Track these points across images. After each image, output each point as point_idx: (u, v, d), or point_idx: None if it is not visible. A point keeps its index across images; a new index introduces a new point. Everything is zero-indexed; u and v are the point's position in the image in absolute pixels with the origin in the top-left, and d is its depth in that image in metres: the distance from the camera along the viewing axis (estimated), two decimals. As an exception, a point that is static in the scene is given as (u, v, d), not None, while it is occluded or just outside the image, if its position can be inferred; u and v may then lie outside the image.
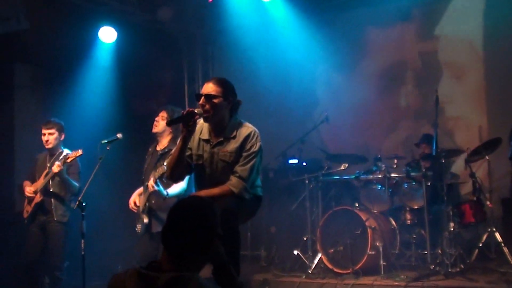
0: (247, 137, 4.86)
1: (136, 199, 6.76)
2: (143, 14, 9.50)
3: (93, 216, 6.81)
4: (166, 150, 6.67)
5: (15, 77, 9.17)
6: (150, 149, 6.85)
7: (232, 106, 4.90)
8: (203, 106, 4.75)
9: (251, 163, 4.83)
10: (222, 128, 4.89)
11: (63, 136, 7.30)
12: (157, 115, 6.82)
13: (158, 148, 6.81)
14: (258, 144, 4.88)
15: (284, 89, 10.01)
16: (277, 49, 9.82)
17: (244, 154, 4.83)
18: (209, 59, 10.55)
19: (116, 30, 9.11)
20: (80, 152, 6.81)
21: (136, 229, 6.64)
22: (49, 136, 7.20)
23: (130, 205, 6.67)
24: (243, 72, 9.80)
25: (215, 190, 4.79)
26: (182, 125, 4.70)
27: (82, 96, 9.02)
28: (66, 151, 7.22)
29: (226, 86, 4.84)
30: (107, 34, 9.11)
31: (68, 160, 6.84)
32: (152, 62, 9.57)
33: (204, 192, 4.81)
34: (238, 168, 4.81)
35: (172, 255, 2.93)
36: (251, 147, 4.84)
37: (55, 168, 6.82)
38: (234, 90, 4.91)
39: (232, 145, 4.86)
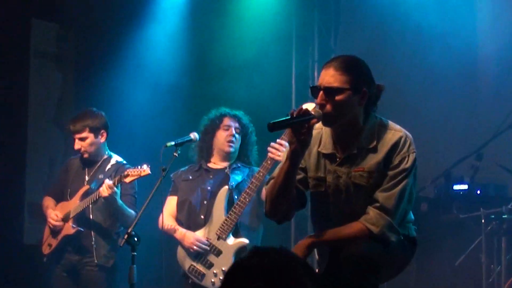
0: (395, 146, 4.83)
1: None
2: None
3: (145, 250, 7.03)
4: (235, 166, 7.36)
5: (32, 39, 9.50)
6: (201, 165, 7.43)
7: (368, 100, 4.87)
8: (322, 105, 4.76)
9: (400, 186, 4.81)
10: (354, 134, 4.90)
11: (104, 137, 7.61)
12: (219, 127, 7.31)
13: (217, 166, 7.37)
14: (412, 157, 4.85)
15: (447, 74, 9.98)
16: (441, 12, 9.82)
17: (390, 173, 4.82)
18: (330, 22, 10.66)
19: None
20: (146, 170, 7.05)
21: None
22: (81, 143, 7.50)
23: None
24: (382, 44, 9.95)
25: (344, 231, 4.87)
26: (291, 133, 4.69)
27: (133, 76, 9.55)
28: (116, 158, 7.60)
29: (356, 70, 4.83)
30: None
31: (127, 180, 7.09)
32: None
33: (328, 235, 4.91)
34: (379, 195, 4.82)
35: None
36: (400, 162, 4.81)
37: (104, 191, 7.07)
38: (370, 74, 4.88)
39: (372, 160, 4.86)
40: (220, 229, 6.93)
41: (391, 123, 4.94)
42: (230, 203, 7.11)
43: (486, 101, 9.89)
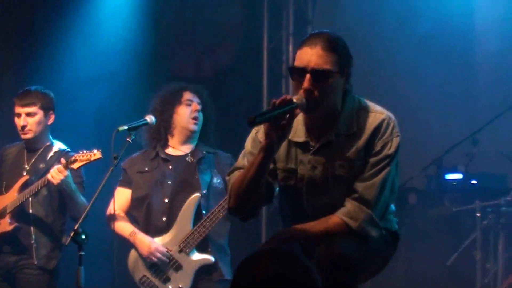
0: (377, 130, 4.87)
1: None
2: None
3: (97, 253, 7.04)
4: (201, 155, 7.38)
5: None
6: (157, 153, 7.41)
7: (346, 79, 4.94)
8: (309, 92, 4.74)
9: (382, 174, 4.87)
10: (331, 120, 4.94)
11: (52, 119, 7.67)
12: (180, 102, 7.32)
13: (176, 152, 7.39)
14: (396, 141, 4.89)
15: (440, 50, 10.11)
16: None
17: (372, 160, 4.86)
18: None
19: None
20: (96, 154, 7.03)
21: None
22: (28, 119, 7.52)
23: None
24: (364, 15, 10.07)
25: (318, 226, 4.88)
26: (269, 126, 4.66)
27: (79, 47, 9.66)
28: (58, 145, 7.59)
29: (342, 50, 4.87)
30: None
31: (75, 166, 7.08)
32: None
33: (300, 230, 4.93)
34: (358, 185, 4.87)
35: None
36: (383, 148, 4.86)
37: (55, 176, 7.06)
38: (349, 52, 4.94)
39: (352, 148, 4.90)
40: (185, 242, 6.98)
41: (371, 104, 5.00)
42: (197, 210, 7.15)
43: (484, 79, 10.06)
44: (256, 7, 10.33)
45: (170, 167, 7.18)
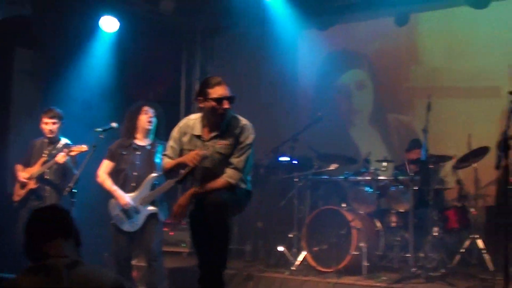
0: (242, 130, 5.23)
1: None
2: (145, 4, 9.92)
3: (83, 204, 7.14)
4: (157, 146, 7.10)
5: (15, 62, 9.50)
6: (131, 143, 7.06)
7: None
8: (227, 109, 5.14)
9: (246, 154, 5.23)
10: (218, 123, 5.23)
11: (61, 125, 7.74)
12: (141, 112, 7.05)
13: (141, 143, 7.07)
14: (252, 136, 5.27)
15: (281, 86, 10.45)
16: (277, 47, 10.15)
17: (239, 146, 5.21)
18: (208, 53, 11.02)
19: (118, 20, 9.46)
20: (85, 147, 7.20)
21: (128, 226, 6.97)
22: (53, 126, 7.64)
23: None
24: (241, 67, 10.26)
25: (215, 184, 5.18)
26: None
27: (80, 84, 9.45)
28: (64, 140, 7.71)
29: None
30: (109, 24, 9.49)
31: (72, 154, 7.28)
32: (151, 53, 9.96)
33: (204, 187, 5.19)
34: (233, 160, 5.20)
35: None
36: (245, 139, 5.23)
37: (61, 159, 7.25)
38: None
39: (228, 138, 5.22)
40: (144, 199, 6.81)
41: (239, 116, 5.32)
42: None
43: (303, 105, 10.49)
44: (178, 64, 10.61)
45: (138, 152, 6.92)
